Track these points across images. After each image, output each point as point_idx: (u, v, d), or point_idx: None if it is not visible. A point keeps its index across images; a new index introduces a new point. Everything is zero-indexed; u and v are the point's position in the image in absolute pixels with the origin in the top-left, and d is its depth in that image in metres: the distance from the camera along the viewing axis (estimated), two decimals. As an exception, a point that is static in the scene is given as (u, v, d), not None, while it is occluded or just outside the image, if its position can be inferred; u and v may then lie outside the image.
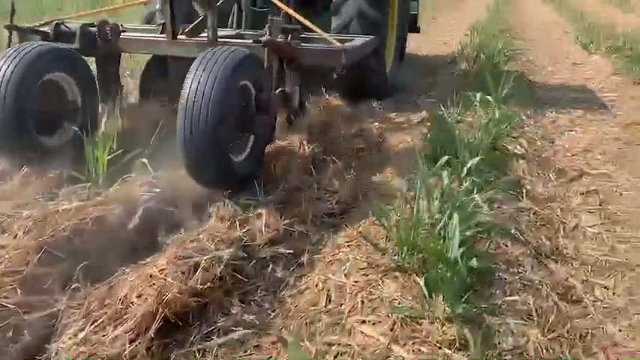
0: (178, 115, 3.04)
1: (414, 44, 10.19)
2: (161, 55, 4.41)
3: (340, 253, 2.82)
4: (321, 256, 2.86)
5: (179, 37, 4.10)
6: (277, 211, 3.08)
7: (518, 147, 4.42)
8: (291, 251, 2.85)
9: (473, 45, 8.90)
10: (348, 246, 2.87)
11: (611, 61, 8.39)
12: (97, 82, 4.02)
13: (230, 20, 5.24)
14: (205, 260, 2.46)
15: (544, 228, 3.28)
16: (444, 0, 19.83)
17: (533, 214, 3.40)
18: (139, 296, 2.28)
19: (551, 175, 4.04)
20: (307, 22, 4.19)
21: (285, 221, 3.05)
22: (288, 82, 3.89)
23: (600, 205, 3.65)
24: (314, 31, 4.25)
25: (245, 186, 3.29)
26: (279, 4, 4.31)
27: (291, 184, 3.50)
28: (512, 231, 3.07)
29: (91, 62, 4.28)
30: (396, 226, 2.75)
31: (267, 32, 3.71)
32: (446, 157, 3.48)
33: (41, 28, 4.27)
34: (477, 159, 3.58)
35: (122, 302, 2.29)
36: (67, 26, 4.23)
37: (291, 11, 4.30)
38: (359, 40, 4.76)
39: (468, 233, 2.71)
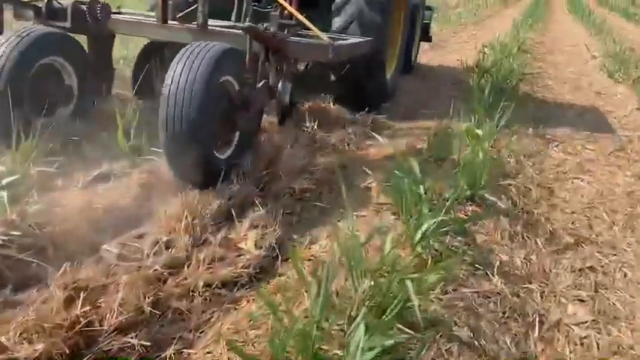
0: (160, 112, 3.01)
1: (425, 58, 9.44)
2: (154, 40, 4.49)
3: (215, 353, 2.05)
4: (192, 352, 2.09)
5: (171, 22, 4.10)
6: (151, 278, 2.32)
7: (504, 199, 3.58)
8: (149, 343, 2.08)
9: (486, 64, 8.04)
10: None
11: (638, 93, 7.46)
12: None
13: (233, 16, 5.11)
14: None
15: (513, 323, 2.46)
16: (470, 15, 18.99)
17: (503, 300, 2.58)
18: None
19: (538, 241, 3.20)
20: (305, 20, 4.18)
21: (160, 294, 2.29)
22: (274, 76, 3.74)
23: (596, 290, 2.81)
24: (312, 30, 4.26)
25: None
26: (281, 2, 4.20)
27: (196, 237, 2.74)
28: (465, 331, 2.26)
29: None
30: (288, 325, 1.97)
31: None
32: (392, 217, 2.68)
33: (34, 3, 4.10)
34: (439, 219, 2.77)
35: None
36: (59, 3, 4.09)
37: (291, 9, 4.20)
38: (351, 40, 4.77)
39: (389, 342, 1.93)
